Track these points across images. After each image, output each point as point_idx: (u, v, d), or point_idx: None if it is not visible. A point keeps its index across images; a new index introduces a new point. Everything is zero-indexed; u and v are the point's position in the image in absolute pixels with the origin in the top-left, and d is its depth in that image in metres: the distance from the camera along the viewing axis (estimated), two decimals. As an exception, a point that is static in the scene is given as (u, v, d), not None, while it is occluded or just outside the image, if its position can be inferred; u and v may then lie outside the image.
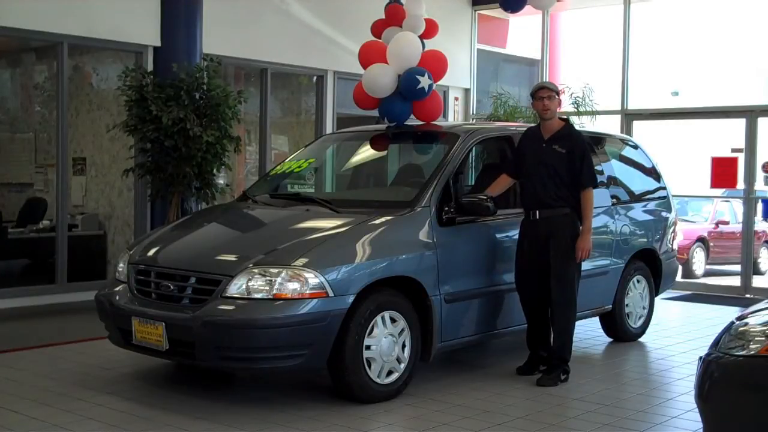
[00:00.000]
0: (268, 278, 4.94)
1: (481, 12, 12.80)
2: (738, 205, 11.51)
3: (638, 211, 7.46)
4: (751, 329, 3.75)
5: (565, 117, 6.16)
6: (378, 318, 5.18)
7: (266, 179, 7.09)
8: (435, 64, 6.74)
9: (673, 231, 7.84)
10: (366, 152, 7.01)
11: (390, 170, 6.93)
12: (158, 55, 8.75)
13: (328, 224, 5.47)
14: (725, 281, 11.53)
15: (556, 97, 5.92)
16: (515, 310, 6.16)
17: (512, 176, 6.14)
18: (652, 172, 7.83)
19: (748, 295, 10.25)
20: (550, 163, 5.85)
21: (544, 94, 5.89)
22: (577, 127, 6.36)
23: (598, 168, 7.21)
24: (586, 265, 6.60)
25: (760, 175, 10.34)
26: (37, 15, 8.03)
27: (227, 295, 4.98)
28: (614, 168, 7.40)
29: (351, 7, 10.66)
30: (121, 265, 5.77)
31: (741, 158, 10.36)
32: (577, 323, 7.49)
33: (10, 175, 10.40)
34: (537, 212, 5.89)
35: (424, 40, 8.40)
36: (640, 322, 7.40)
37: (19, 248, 9.29)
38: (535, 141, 6.00)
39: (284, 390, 5.58)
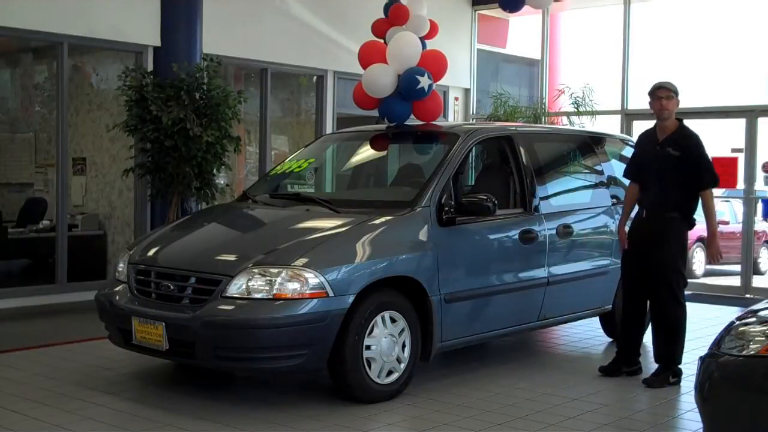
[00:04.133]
0: (268, 278, 4.94)
1: (481, 12, 12.80)
2: (738, 205, 11.50)
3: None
4: (751, 329, 3.75)
5: (680, 118, 5.91)
6: (378, 318, 5.18)
7: (266, 179, 7.09)
8: (435, 64, 6.74)
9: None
10: (366, 152, 7.00)
11: (390, 170, 6.93)
12: (158, 55, 8.75)
13: (328, 224, 5.46)
14: (725, 281, 11.51)
15: (675, 97, 5.77)
16: (515, 310, 6.16)
17: (636, 181, 6.06)
18: (653, 172, 7.80)
19: (748, 295, 10.24)
20: (662, 167, 5.77)
21: (662, 94, 5.76)
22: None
23: (597, 168, 7.22)
24: (586, 266, 6.61)
25: (760, 175, 10.34)
26: (37, 15, 8.02)
27: (227, 295, 4.98)
28: (614, 168, 7.37)
29: (351, 7, 10.67)
30: (121, 265, 5.76)
31: (741, 158, 10.35)
32: (577, 323, 7.53)
33: (10, 175, 10.41)
34: (646, 212, 5.88)
35: (425, 41, 8.40)
36: (640, 322, 7.38)
37: (19, 248, 9.30)
38: (649, 143, 5.92)
39: (284, 390, 5.58)
